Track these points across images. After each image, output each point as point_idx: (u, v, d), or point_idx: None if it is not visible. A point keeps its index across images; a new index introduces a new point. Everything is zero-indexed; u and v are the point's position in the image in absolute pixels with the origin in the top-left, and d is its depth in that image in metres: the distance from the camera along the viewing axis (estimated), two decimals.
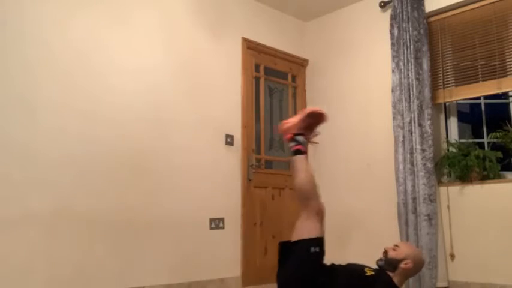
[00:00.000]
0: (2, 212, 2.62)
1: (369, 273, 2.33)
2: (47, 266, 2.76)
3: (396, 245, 2.45)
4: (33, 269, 2.70)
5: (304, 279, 2.21)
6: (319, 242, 2.29)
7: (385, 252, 2.41)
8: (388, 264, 2.37)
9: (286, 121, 2.52)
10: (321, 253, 2.30)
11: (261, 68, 4.33)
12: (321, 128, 2.56)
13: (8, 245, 2.62)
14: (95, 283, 2.94)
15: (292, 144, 2.45)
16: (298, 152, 2.42)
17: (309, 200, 2.35)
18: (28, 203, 2.73)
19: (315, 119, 2.49)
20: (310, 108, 2.53)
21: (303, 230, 2.31)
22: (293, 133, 2.46)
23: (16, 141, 2.73)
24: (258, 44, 4.25)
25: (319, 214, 2.36)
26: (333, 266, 2.40)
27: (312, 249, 2.25)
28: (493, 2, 3.53)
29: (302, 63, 4.68)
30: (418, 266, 2.41)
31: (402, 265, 2.33)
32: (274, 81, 4.48)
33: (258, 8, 4.33)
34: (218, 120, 3.84)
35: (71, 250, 2.87)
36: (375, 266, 2.41)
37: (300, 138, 2.45)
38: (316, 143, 2.56)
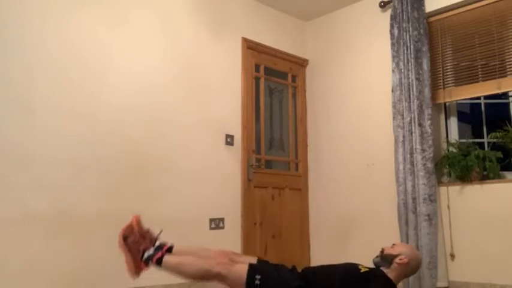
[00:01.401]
0: (1, 213, 2.62)
1: (363, 270, 2.34)
2: (47, 266, 2.76)
3: (394, 244, 2.47)
4: (33, 269, 2.70)
5: None
6: (253, 271, 2.26)
7: (382, 251, 2.42)
8: (383, 260, 2.37)
9: (127, 269, 2.37)
10: (266, 272, 2.28)
11: (261, 68, 4.33)
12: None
13: (8, 245, 2.62)
14: (95, 283, 2.94)
15: (152, 262, 2.34)
16: (161, 259, 2.34)
17: (210, 270, 2.28)
18: (28, 204, 2.73)
19: (132, 232, 2.38)
20: (119, 236, 2.38)
21: (237, 284, 2.26)
22: (141, 260, 2.35)
23: (15, 142, 2.73)
24: (258, 44, 4.25)
25: (228, 257, 2.34)
26: (305, 270, 2.41)
27: (256, 281, 2.22)
28: (493, 2, 3.53)
29: (302, 63, 4.68)
30: (414, 264, 2.39)
31: (397, 260, 2.33)
32: (274, 81, 4.48)
33: (258, 8, 4.33)
34: (218, 120, 3.84)
35: (71, 250, 2.87)
36: (370, 265, 2.42)
37: (148, 253, 2.36)
38: (160, 232, 2.47)
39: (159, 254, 2.36)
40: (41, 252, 2.75)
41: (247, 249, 3.85)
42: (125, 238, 2.37)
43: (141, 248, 2.38)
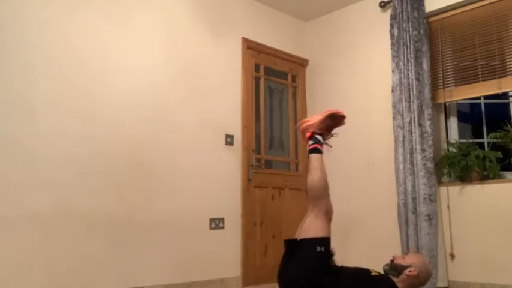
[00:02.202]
0: (1, 213, 2.62)
1: (374, 273, 2.34)
2: (47, 266, 2.76)
3: (405, 253, 2.46)
4: (33, 269, 2.70)
5: (308, 278, 2.21)
6: (325, 242, 2.28)
7: (393, 259, 2.41)
8: (393, 269, 2.36)
9: (305, 120, 2.55)
10: (326, 253, 2.29)
11: (261, 68, 4.33)
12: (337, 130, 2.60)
13: (8, 245, 2.62)
14: (95, 283, 2.94)
15: (310, 142, 2.48)
16: (315, 150, 2.46)
17: (320, 199, 2.38)
18: (28, 203, 2.72)
19: (335, 121, 2.53)
20: (331, 109, 2.56)
21: (310, 229, 2.31)
22: (312, 132, 2.48)
23: (16, 141, 2.73)
24: (258, 44, 4.25)
25: (328, 215, 2.37)
26: (340, 268, 2.40)
27: (318, 248, 2.24)
28: (493, 2, 3.53)
29: (302, 63, 4.68)
30: (423, 277, 2.37)
31: (407, 272, 2.31)
32: (274, 81, 4.48)
33: (258, 8, 4.33)
34: (218, 120, 3.84)
35: (71, 250, 2.87)
36: (377, 269, 2.41)
37: (319, 137, 2.48)
38: (330, 146, 2.60)
39: (321, 148, 2.50)
40: (41, 252, 2.74)
41: (247, 249, 3.85)
42: (332, 116, 2.54)
43: (323, 131, 2.52)
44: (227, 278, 3.68)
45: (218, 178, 3.77)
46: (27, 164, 2.75)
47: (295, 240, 2.34)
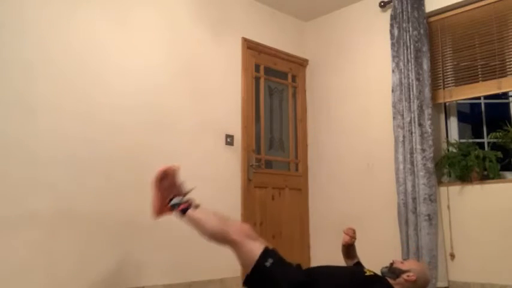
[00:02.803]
0: (2, 213, 2.62)
1: (368, 273, 2.34)
2: (47, 266, 2.76)
3: (405, 259, 2.44)
4: (33, 269, 2.70)
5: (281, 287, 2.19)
6: (267, 253, 2.25)
7: (392, 263, 2.40)
8: (391, 272, 2.34)
9: (152, 204, 2.46)
10: (278, 259, 2.27)
11: (261, 68, 4.33)
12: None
13: (8, 246, 2.62)
14: (95, 283, 2.94)
15: (175, 210, 2.42)
16: (185, 210, 2.40)
17: (227, 235, 2.31)
18: (28, 204, 2.72)
19: (168, 177, 2.45)
20: (156, 174, 2.45)
21: (248, 258, 2.27)
22: (167, 205, 2.43)
23: (16, 142, 2.73)
24: (258, 44, 4.25)
25: (246, 235, 2.33)
26: (310, 269, 2.41)
27: (267, 263, 2.21)
28: (493, 2, 3.53)
29: (302, 63, 4.68)
30: (420, 283, 2.35)
31: (404, 276, 2.29)
32: (274, 81, 4.48)
33: (258, 8, 4.33)
34: (218, 120, 3.84)
35: (71, 250, 2.87)
36: (376, 269, 2.41)
37: (175, 200, 2.43)
38: (192, 189, 2.54)
39: (186, 204, 2.43)
40: (41, 253, 2.74)
41: None
42: (161, 179, 2.44)
43: (172, 194, 2.45)
44: (227, 278, 3.68)
45: (218, 178, 3.77)
46: (27, 164, 2.75)
47: (247, 276, 2.29)
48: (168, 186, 2.46)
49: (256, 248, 2.28)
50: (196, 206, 2.48)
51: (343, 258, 2.68)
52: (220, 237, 2.35)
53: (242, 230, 2.38)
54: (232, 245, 2.32)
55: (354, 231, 2.63)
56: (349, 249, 2.65)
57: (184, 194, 2.50)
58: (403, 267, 2.34)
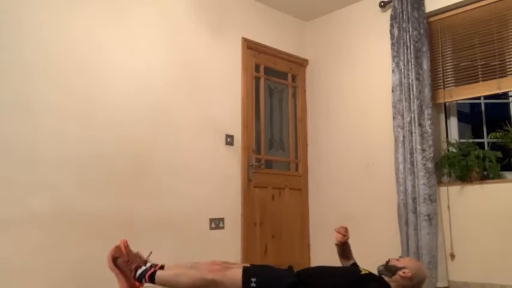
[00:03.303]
0: (2, 213, 2.62)
1: (363, 272, 2.34)
2: (47, 267, 2.76)
3: (401, 257, 2.45)
4: (34, 269, 2.70)
5: None
6: (247, 274, 2.26)
7: (388, 261, 2.41)
8: (387, 270, 2.35)
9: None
10: (261, 273, 2.28)
11: (261, 68, 4.33)
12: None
13: (8, 246, 2.62)
14: (95, 283, 2.94)
15: (145, 279, 2.34)
16: (152, 276, 2.33)
17: (205, 276, 2.28)
18: (28, 204, 2.72)
19: (120, 254, 2.38)
20: (108, 262, 2.37)
21: (235, 287, 2.26)
22: (134, 278, 2.35)
23: (15, 142, 2.73)
24: (258, 44, 4.25)
25: (220, 266, 2.34)
26: (303, 270, 2.42)
27: (252, 284, 2.22)
28: (493, 2, 3.53)
29: (302, 63, 4.68)
30: (416, 280, 2.35)
31: (400, 273, 2.30)
32: (274, 81, 4.48)
33: (258, 8, 4.33)
34: (218, 120, 3.84)
35: (71, 250, 2.87)
36: (373, 268, 2.42)
37: (140, 270, 2.36)
38: (149, 254, 2.49)
39: (152, 270, 2.34)
40: (41, 253, 2.74)
41: (247, 249, 3.85)
42: (115, 260, 2.35)
43: (133, 266, 2.35)
44: None
45: (218, 178, 3.77)
46: (27, 164, 2.75)
47: None
48: (126, 262, 2.37)
49: (235, 274, 2.27)
50: (162, 267, 2.40)
51: (339, 259, 2.68)
52: (199, 284, 2.29)
53: (213, 264, 2.36)
54: (215, 285, 2.28)
55: (345, 230, 2.62)
56: (343, 249, 2.65)
57: (145, 262, 2.42)
58: (399, 264, 2.35)
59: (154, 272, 2.33)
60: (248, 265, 2.39)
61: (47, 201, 2.80)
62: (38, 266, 2.72)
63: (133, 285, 2.34)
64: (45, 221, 2.78)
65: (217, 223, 3.70)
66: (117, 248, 2.38)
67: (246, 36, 4.15)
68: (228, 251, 3.75)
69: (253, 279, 2.23)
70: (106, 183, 3.08)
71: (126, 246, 2.41)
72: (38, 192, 2.77)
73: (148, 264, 2.39)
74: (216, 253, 3.65)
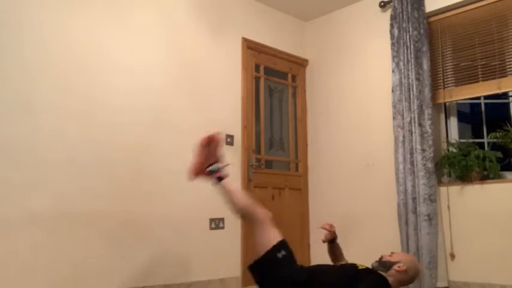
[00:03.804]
0: (2, 213, 2.62)
1: (360, 267, 2.36)
2: (47, 267, 2.76)
3: (392, 252, 2.47)
4: (34, 269, 2.70)
5: (284, 284, 2.24)
6: (282, 245, 2.33)
7: (381, 258, 2.43)
8: (382, 265, 2.37)
9: (190, 165, 2.59)
10: (290, 254, 2.35)
11: (261, 68, 4.33)
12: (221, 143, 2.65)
13: (8, 246, 2.62)
14: (95, 283, 2.94)
15: (211, 176, 2.54)
16: (220, 179, 2.52)
17: (254, 213, 2.42)
18: (28, 204, 2.72)
19: (211, 144, 2.57)
20: (201, 139, 2.59)
21: (263, 243, 2.34)
22: (205, 169, 2.54)
23: (15, 143, 2.73)
24: (258, 44, 4.25)
25: (269, 220, 2.42)
26: (310, 268, 2.47)
27: (279, 254, 2.29)
28: (493, 2, 3.53)
29: (302, 63, 4.68)
30: (412, 273, 2.38)
31: (395, 267, 2.32)
32: (274, 81, 4.48)
33: (258, 8, 4.33)
34: (218, 120, 3.83)
35: (71, 251, 2.87)
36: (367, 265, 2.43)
37: (214, 167, 2.54)
38: (228, 164, 2.65)
39: (224, 173, 2.54)
40: (41, 253, 2.74)
41: (247, 249, 3.85)
42: (204, 145, 2.56)
43: (212, 160, 2.55)
44: (227, 278, 3.68)
45: None
46: (27, 164, 2.75)
47: (257, 260, 2.35)
48: (209, 153, 2.56)
49: (274, 236, 2.37)
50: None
51: (330, 259, 2.70)
52: (248, 212, 2.43)
53: (268, 214, 2.45)
54: (256, 224, 2.39)
55: (330, 226, 2.67)
56: (333, 248, 2.70)
57: (223, 165, 2.59)
58: (393, 259, 2.37)
59: (223, 177, 2.53)
60: (286, 242, 2.43)
61: (47, 201, 2.80)
62: (38, 266, 2.72)
63: (202, 171, 2.56)
64: (45, 221, 2.78)
65: (217, 223, 3.70)
66: (214, 136, 2.58)
67: (246, 36, 4.15)
68: (228, 251, 3.75)
69: (283, 253, 2.30)
70: (106, 183, 3.08)
71: (218, 142, 2.60)
72: (38, 192, 2.77)
73: (224, 168, 2.57)
74: (216, 253, 3.65)
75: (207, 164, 2.55)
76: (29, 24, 2.86)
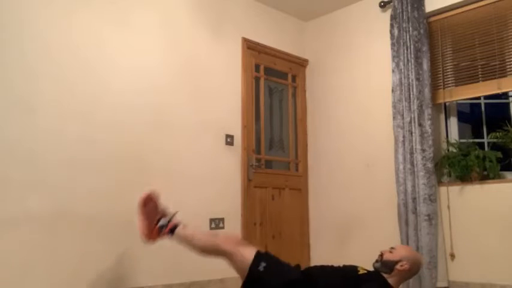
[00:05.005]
0: (2, 213, 2.62)
1: (361, 272, 2.33)
2: (47, 267, 2.75)
3: (392, 248, 2.44)
4: (33, 269, 2.70)
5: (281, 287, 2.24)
6: (259, 258, 2.31)
7: (381, 255, 2.40)
8: (384, 266, 2.35)
9: (140, 232, 2.58)
10: (271, 260, 2.34)
11: (261, 68, 4.33)
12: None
13: (8, 246, 2.62)
14: (95, 283, 2.94)
15: (163, 231, 2.52)
16: (173, 230, 2.51)
17: (219, 246, 2.39)
18: (28, 204, 2.72)
19: (149, 203, 2.58)
20: (139, 202, 2.60)
21: (242, 266, 2.32)
22: (154, 226, 2.53)
23: (16, 142, 2.73)
24: (258, 44, 4.25)
25: (236, 244, 2.40)
26: (308, 269, 2.46)
27: (260, 267, 2.27)
28: (493, 2, 3.53)
29: (302, 63, 4.68)
30: (414, 268, 2.38)
31: (398, 267, 2.31)
32: (274, 81, 4.48)
33: (258, 8, 4.33)
34: (218, 120, 3.84)
35: (71, 251, 2.86)
36: (370, 268, 2.41)
37: (162, 222, 2.54)
38: (175, 212, 2.65)
39: (173, 224, 2.52)
40: (41, 253, 2.74)
41: None
42: (144, 204, 2.55)
43: (157, 216, 2.55)
44: (227, 278, 3.68)
45: (218, 178, 3.77)
46: (27, 164, 2.75)
47: (244, 284, 2.34)
48: (152, 210, 2.57)
49: (248, 254, 2.32)
50: (184, 226, 2.54)
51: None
52: (211, 250, 2.41)
53: (231, 239, 2.45)
54: (225, 256, 2.37)
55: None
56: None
57: (171, 216, 2.58)
58: (394, 257, 2.34)
59: (175, 227, 2.50)
60: (263, 251, 2.42)
61: (47, 201, 2.80)
62: (37, 266, 2.72)
63: (153, 232, 2.54)
64: (45, 221, 2.78)
65: (217, 223, 3.70)
66: (151, 194, 2.58)
67: (246, 36, 4.15)
68: None
69: (263, 264, 2.27)
70: (106, 183, 3.08)
71: (157, 197, 2.60)
72: (37, 192, 2.77)
73: (172, 219, 2.56)
74: None
75: (154, 222, 2.55)
76: (29, 25, 2.86)
